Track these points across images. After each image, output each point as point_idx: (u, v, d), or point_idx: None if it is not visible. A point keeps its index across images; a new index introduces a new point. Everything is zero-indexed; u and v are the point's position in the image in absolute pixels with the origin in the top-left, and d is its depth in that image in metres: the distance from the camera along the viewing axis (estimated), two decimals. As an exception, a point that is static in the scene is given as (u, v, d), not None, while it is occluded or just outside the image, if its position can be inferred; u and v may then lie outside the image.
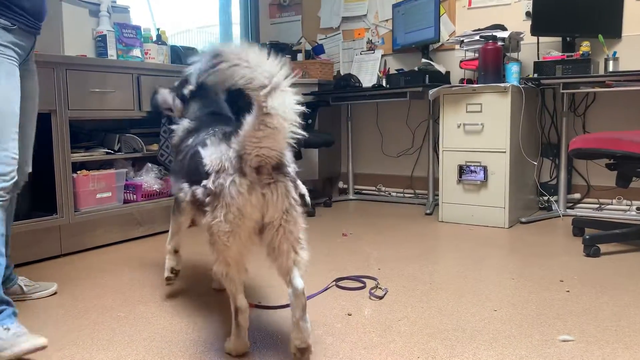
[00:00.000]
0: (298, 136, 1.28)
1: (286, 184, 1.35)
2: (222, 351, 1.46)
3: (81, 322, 1.72)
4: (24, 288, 1.93)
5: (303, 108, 1.26)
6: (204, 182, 1.36)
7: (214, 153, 1.36)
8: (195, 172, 1.43)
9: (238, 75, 1.21)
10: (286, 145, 1.31)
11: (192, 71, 1.29)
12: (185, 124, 1.81)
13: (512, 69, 3.07)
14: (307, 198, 1.45)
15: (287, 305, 1.73)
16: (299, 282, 1.36)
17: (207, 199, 1.35)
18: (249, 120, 1.27)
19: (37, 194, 2.53)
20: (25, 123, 1.75)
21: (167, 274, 1.93)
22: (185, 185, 1.52)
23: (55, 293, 1.99)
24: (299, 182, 1.43)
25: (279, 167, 1.34)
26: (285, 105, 1.23)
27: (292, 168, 1.40)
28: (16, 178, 1.57)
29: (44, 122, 2.31)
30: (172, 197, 2.02)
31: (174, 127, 1.86)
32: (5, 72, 1.55)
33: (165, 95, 2.00)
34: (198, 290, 1.98)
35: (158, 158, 2.93)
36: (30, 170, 1.86)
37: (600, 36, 3.03)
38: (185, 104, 1.90)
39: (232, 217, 1.31)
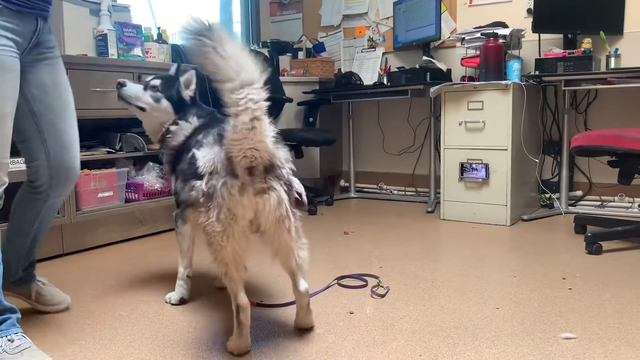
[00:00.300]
0: (276, 133, 1.29)
1: (279, 193, 1.35)
2: (224, 350, 1.46)
3: (83, 321, 1.72)
4: (32, 295, 1.77)
5: (269, 103, 1.24)
6: (198, 182, 1.37)
7: (207, 154, 1.37)
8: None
9: (208, 60, 1.19)
10: (270, 144, 1.29)
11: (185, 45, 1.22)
12: (194, 121, 1.79)
13: (514, 67, 3.06)
14: (304, 197, 1.46)
15: (289, 304, 1.74)
16: (301, 285, 1.50)
17: (202, 200, 1.36)
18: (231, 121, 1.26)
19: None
20: (55, 121, 1.61)
21: (174, 301, 1.83)
22: (198, 183, 1.40)
23: (67, 309, 1.81)
24: (294, 183, 1.42)
25: (271, 169, 1.34)
26: (254, 102, 1.21)
27: (286, 169, 1.38)
28: (7, 184, 1.39)
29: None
30: (173, 197, 1.86)
31: (173, 127, 1.80)
32: None
33: (139, 92, 1.84)
34: (200, 289, 1.98)
35: (159, 157, 2.93)
36: (77, 172, 1.69)
37: (601, 33, 3.02)
38: (183, 106, 1.82)
39: (223, 218, 1.33)
